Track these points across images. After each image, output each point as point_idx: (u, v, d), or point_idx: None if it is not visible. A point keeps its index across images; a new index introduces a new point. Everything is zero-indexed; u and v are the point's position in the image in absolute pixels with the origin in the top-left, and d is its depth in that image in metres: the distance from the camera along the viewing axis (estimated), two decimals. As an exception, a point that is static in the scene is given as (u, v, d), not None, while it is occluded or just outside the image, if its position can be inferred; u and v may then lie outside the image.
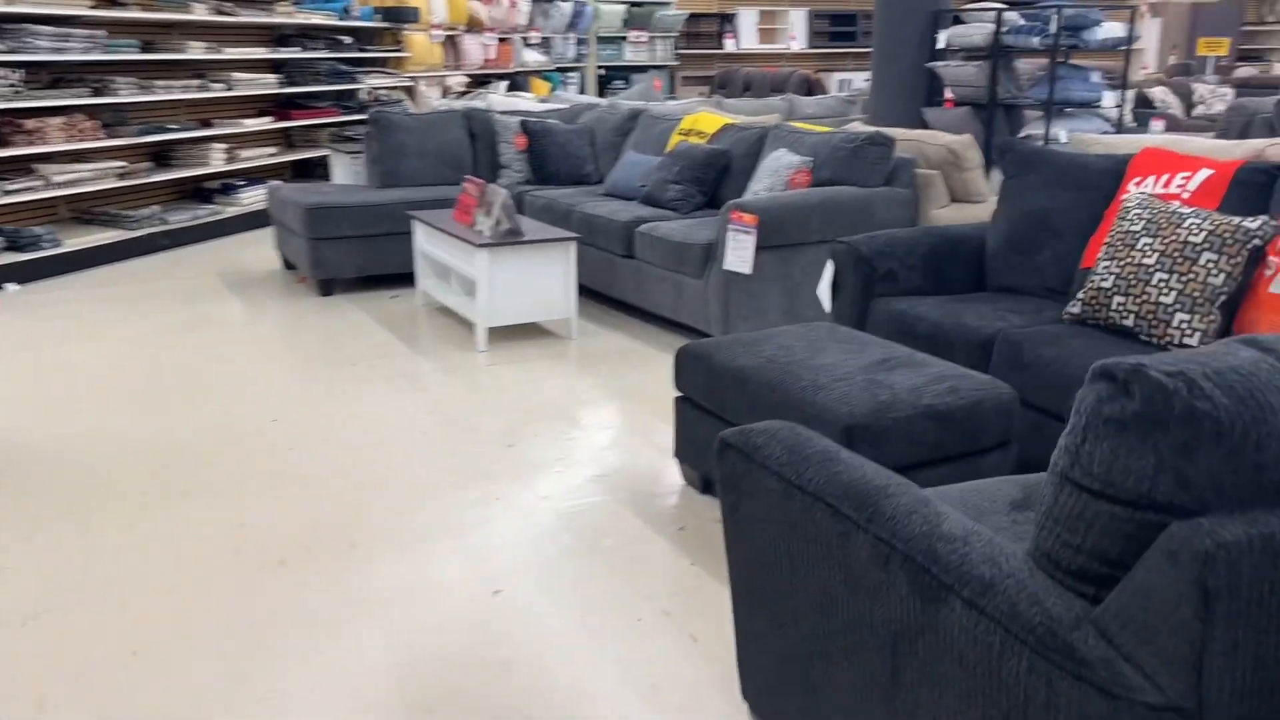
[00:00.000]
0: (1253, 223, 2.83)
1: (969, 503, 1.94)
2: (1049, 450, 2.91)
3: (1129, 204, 3.12)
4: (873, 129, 4.83)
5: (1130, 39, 6.76)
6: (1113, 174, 3.46)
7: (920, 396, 2.58)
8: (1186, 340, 2.81)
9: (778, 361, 2.84)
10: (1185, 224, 2.93)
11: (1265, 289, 2.82)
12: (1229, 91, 11.84)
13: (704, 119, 5.78)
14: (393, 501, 3.13)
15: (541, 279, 4.78)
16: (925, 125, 7.75)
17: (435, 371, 4.41)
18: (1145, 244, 2.97)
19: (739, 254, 4.36)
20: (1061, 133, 7.09)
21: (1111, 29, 6.68)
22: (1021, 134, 7.39)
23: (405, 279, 5.97)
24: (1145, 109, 10.46)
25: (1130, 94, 7.26)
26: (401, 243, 5.81)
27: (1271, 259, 2.83)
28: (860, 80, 14.28)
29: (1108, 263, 3.05)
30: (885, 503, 1.51)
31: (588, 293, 5.76)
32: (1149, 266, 2.93)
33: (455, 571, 2.70)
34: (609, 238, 5.20)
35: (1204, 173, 3.15)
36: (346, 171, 7.13)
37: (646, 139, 6.13)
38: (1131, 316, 2.94)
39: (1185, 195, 3.16)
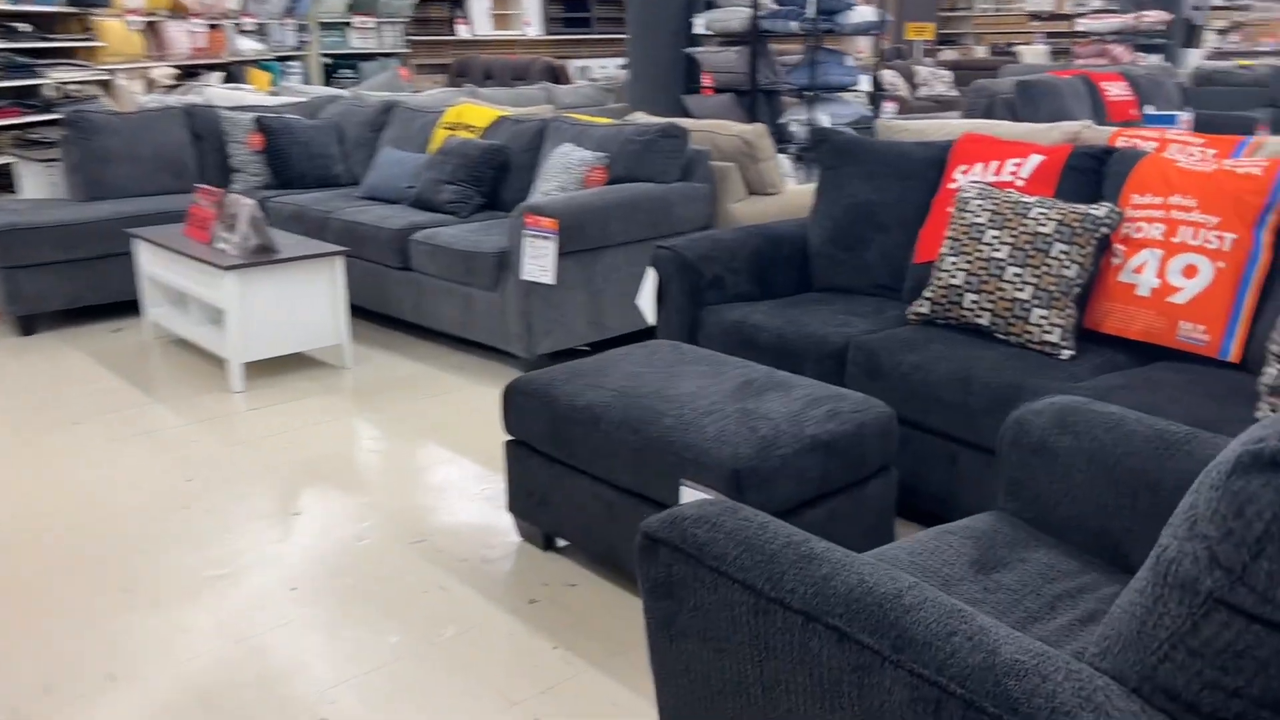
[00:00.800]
0: (1099, 210, 2.73)
1: (925, 567, 1.62)
2: (921, 468, 2.69)
3: (967, 194, 2.96)
4: (664, 120, 4.52)
5: (883, 22, 6.87)
6: (935, 163, 3.31)
7: (802, 426, 2.27)
8: (1046, 336, 2.66)
9: (630, 394, 2.44)
10: (1032, 214, 2.79)
11: (1115, 278, 2.73)
12: (947, 74, 12.60)
13: (470, 111, 5.26)
14: (146, 617, 2.47)
15: (304, 302, 4.12)
16: (686, 113, 7.58)
17: (184, 423, 3.67)
18: (993, 237, 2.81)
19: (539, 262, 3.91)
20: (823, 117, 7.12)
21: (864, 12, 6.75)
22: (783, 120, 7.37)
23: (129, 308, 5.07)
24: (877, 91, 10.88)
25: (867, 77, 7.43)
26: (120, 265, 4.91)
27: (1117, 247, 2.74)
28: (600, 68, 14.11)
29: (954, 258, 2.87)
30: (910, 621, 1.15)
31: (356, 312, 5.12)
32: (1000, 260, 2.77)
33: (254, 701, 2.12)
34: (378, 248, 4.59)
35: (1035, 159, 3.04)
36: (40, 183, 6.02)
37: (406, 135, 5.52)
38: (987, 314, 2.77)
39: (1019, 183, 3.03)
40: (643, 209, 4.20)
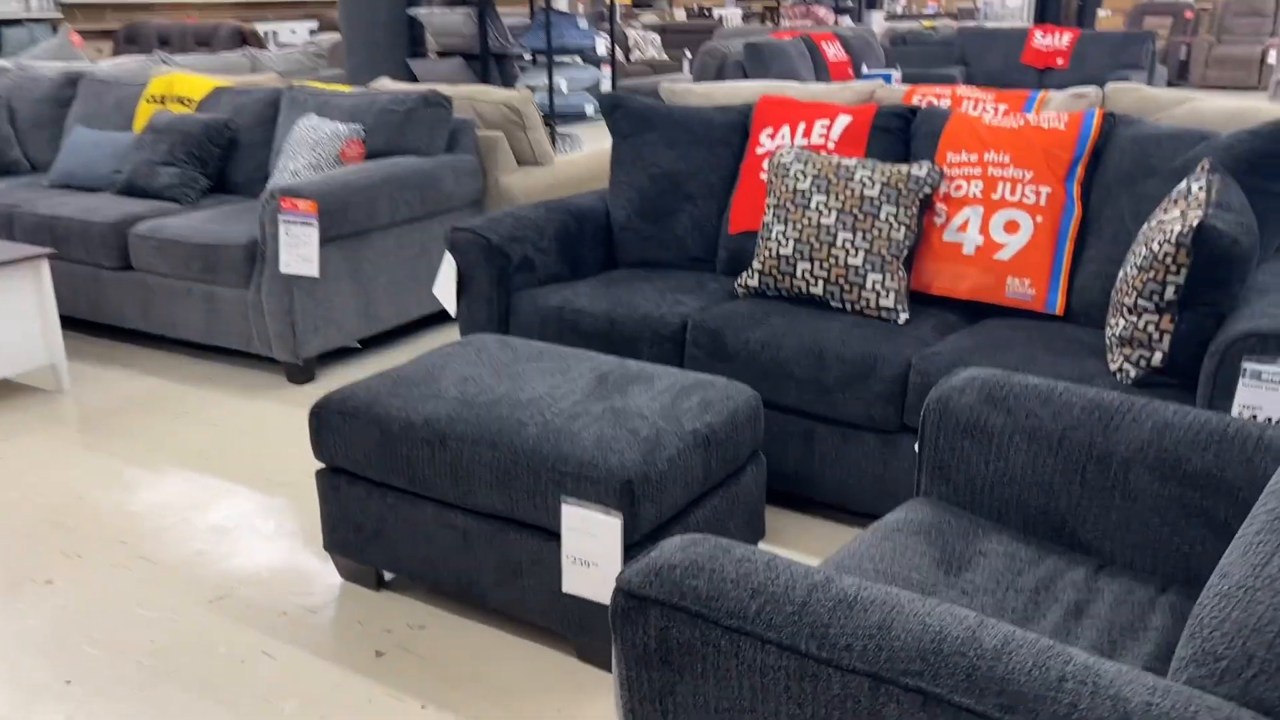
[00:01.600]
0: (920, 169, 2.70)
1: (894, 575, 1.47)
2: (775, 448, 2.57)
3: (784, 159, 2.85)
4: (424, 87, 4.12)
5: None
6: (737, 128, 3.19)
7: (680, 422, 2.06)
8: (883, 302, 2.61)
9: (476, 401, 2.13)
10: (857, 177, 2.72)
11: (939, 238, 2.72)
12: (655, 36, 12.74)
13: (181, 81, 4.57)
14: (-122, 741, 1.88)
15: (2, 318, 3.40)
16: (414, 79, 7.10)
17: None
18: (819, 202, 2.72)
19: (299, 252, 3.43)
20: (562, 82, 6.90)
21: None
22: (520, 85, 7.07)
23: None
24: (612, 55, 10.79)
25: (604, 40, 7.30)
26: None
27: (939, 206, 2.74)
28: (290, 32, 13.09)
29: (781, 227, 2.76)
30: (1005, 670, 0.98)
31: (65, 324, 4.33)
32: (830, 227, 2.69)
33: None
34: (88, 246, 3.88)
35: (844, 119, 2.98)
36: None
37: (100, 110, 4.72)
38: (820, 283, 2.69)
39: (831, 145, 2.97)
40: (412, 185, 3.80)
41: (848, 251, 2.66)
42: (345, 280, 3.66)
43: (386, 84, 4.53)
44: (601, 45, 7.02)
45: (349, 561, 2.36)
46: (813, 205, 2.73)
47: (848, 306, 2.67)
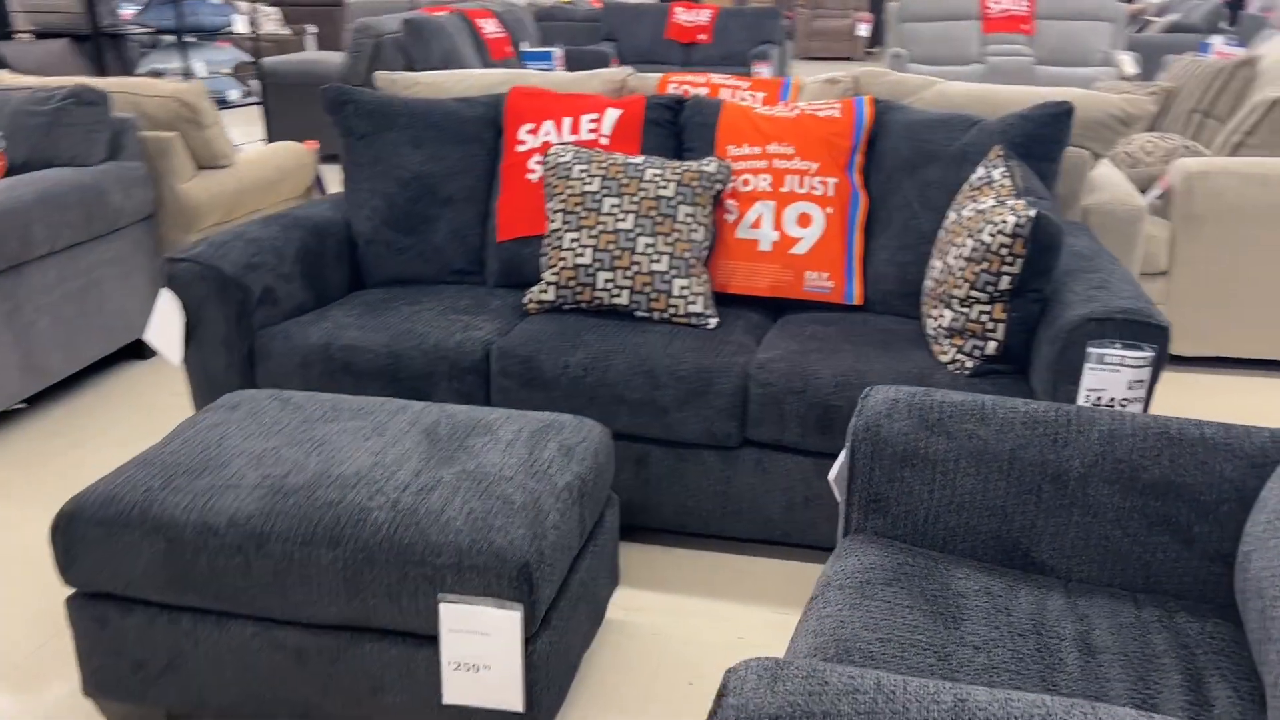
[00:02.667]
0: (710, 166, 2.58)
1: (903, 642, 1.33)
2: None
3: (562, 158, 2.61)
4: (72, 81, 3.36)
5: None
6: (488, 123, 2.89)
7: (550, 478, 1.79)
8: (692, 308, 2.47)
9: (290, 486, 1.72)
10: (648, 176, 2.54)
11: (733, 235, 2.62)
12: (274, 10, 11.70)
13: None
14: None
15: None
16: (3, 64, 5.92)
17: None
18: (613, 205, 2.51)
19: (-63, 300, 2.67)
20: (199, 65, 6.08)
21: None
22: (145, 70, 6.14)
23: None
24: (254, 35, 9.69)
25: (244, 18, 6.51)
26: None
27: (730, 203, 2.63)
28: None
29: (575, 234, 2.52)
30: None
31: None
32: (628, 232, 2.49)
33: None
34: None
35: (614, 113, 2.78)
36: None
37: None
38: (625, 293, 2.49)
39: (604, 141, 2.76)
40: (72, 204, 3.10)
41: (650, 257, 2.48)
42: (2, 329, 2.91)
43: (6, 77, 3.67)
44: (241, 22, 6.26)
45: (126, 707, 1.84)
46: (606, 209, 2.51)
47: (655, 315, 2.49)
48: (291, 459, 1.82)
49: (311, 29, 11.71)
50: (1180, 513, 1.43)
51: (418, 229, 2.81)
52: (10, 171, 3.15)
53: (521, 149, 2.82)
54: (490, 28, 7.62)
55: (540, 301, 2.56)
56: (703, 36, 9.02)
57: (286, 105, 7.00)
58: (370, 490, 1.72)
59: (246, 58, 6.52)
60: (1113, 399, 1.99)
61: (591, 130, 2.78)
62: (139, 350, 3.61)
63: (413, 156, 2.82)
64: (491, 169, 2.87)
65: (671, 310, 2.48)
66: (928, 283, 2.34)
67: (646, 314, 2.50)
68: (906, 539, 1.58)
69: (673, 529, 2.40)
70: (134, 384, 3.42)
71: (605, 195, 2.53)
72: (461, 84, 3.17)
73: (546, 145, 2.78)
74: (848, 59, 14.92)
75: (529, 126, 2.83)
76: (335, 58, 7.13)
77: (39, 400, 3.27)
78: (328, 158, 6.65)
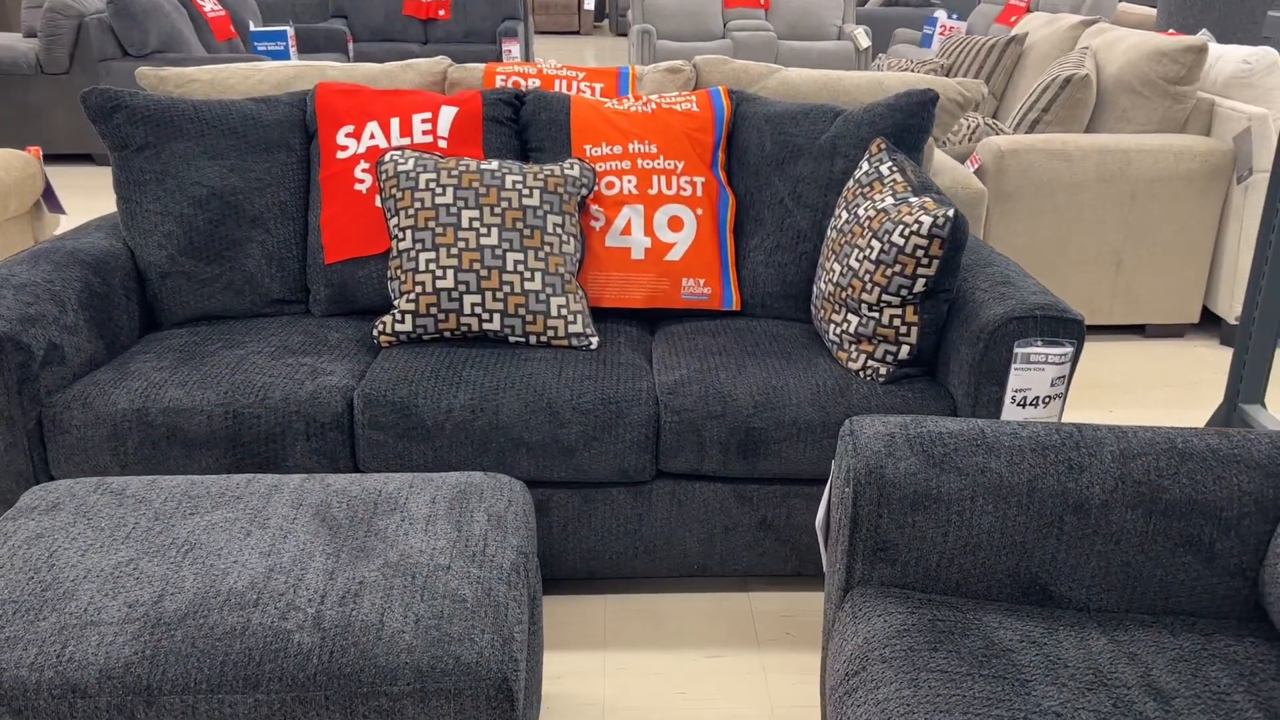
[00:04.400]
0: (572, 169, 2.34)
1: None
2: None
3: (401, 166, 2.28)
4: None
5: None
6: (294, 126, 2.49)
7: (492, 561, 1.52)
8: (571, 328, 2.23)
9: (171, 616, 1.35)
10: (507, 184, 2.27)
11: (602, 244, 2.40)
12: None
13: None
14: None
15: None
16: None
17: None
18: (473, 219, 2.22)
19: None
20: None
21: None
22: None
23: None
24: None
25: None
26: None
27: (594, 208, 2.41)
28: None
29: (431, 253, 2.21)
30: None
31: None
32: (495, 248, 2.21)
33: None
34: None
35: (449, 111, 2.46)
36: None
37: None
38: (496, 317, 2.21)
39: (442, 144, 2.44)
40: None
41: (523, 276, 2.21)
42: None
43: None
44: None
45: None
46: (465, 223, 2.22)
47: (531, 340, 2.23)
48: (159, 575, 1.43)
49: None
50: (1203, 531, 1.39)
51: (223, 255, 2.38)
52: None
53: (344, 155, 2.45)
54: (210, 6, 6.86)
55: (395, 333, 2.23)
56: (442, 13, 8.58)
57: (-32, 98, 5.96)
58: (280, 606, 1.38)
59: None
60: (1038, 397, 1.96)
61: (425, 132, 2.45)
62: None
63: (209, 170, 2.38)
64: (306, 180, 2.48)
65: (550, 333, 2.23)
66: (823, 286, 2.23)
67: (521, 338, 2.24)
68: (919, 586, 1.45)
69: (579, 576, 2.17)
70: None
71: (462, 208, 2.23)
72: (248, 80, 2.72)
73: (376, 151, 2.43)
74: (576, 33, 14.84)
75: (348, 129, 2.46)
76: (25, 44, 6.14)
77: None
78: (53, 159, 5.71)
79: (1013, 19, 7.12)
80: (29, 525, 1.56)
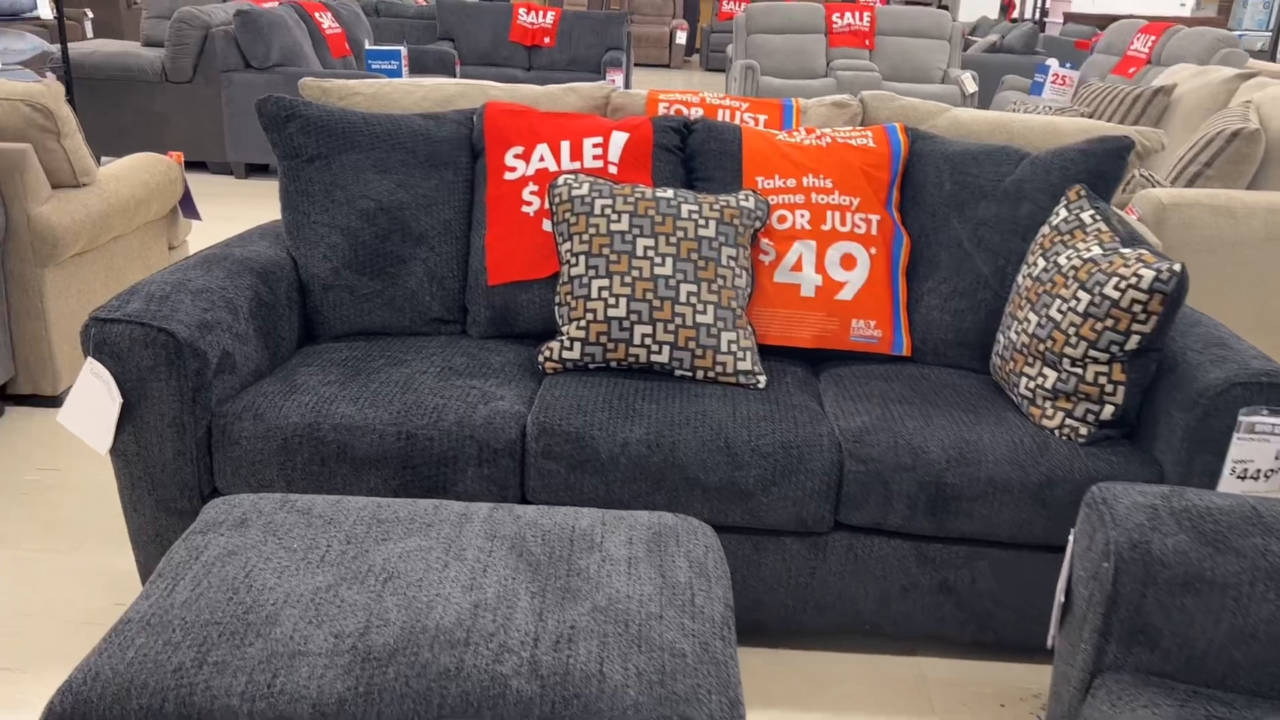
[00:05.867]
0: (748, 200, 2.26)
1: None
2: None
3: (576, 190, 2.22)
4: (-105, 76, 2.63)
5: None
6: (462, 144, 2.45)
7: (706, 615, 1.43)
8: (740, 365, 2.15)
9: (396, 654, 1.28)
10: (683, 213, 2.20)
11: (770, 279, 2.32)
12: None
13: None
14: None
15: None
16: None
17: None
18: (647, 248, 2.15)
19: None
20: (-4, 55, 5.15)
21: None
22: (-77, 57, 5.14)
23: None
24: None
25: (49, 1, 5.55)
26: None
27: (765, 242, 2.33)
28: None
29: (604, 281, 2.14)
30: None
31: None
32: (669, 278, 2.14)
33: None
34: None
35: (620, 136, 2.41)
36: None
37: None
38: (666, 349, 2.13)
39: (613, 170, 2.38)
40: (-93, 236, 2.41)
41: (695, 308, 2.13)
42: None
43: None
44: (45, 7, 5.37)
45: None
46: (640, 251, 2.15)
47: (699, 374, 2.15)
48: (361, 604, 1.36)
49: (88, 14, 10.48)
50: None
51: (386, 271, 2.34)
52: None
53: (511, 176, 2.40)
54: (328, 23, 6.97)
55: (562, 360, 2.16)
56: (547, 40, 8.64)
57: (93, 104, 6.09)
58: (492, 648, 1.30)
59: (50, 47, 5.60)
60: (1260, 470, 1.82)
61: (596, 157, 2.40)
62: (-21, 412, 2.90)
63: (378, 184, 2.34)
64: (470, 199, 2.44)
65: (719, 369, 2.14)
66: (1014, 337, 2.12)
67: (688, 373, 2.15)
68: (1180, 676, 1.33)
69: (742, 627, 2.07)
70: (-17, 458, 2.73)
71: (637, 235, 2.16)
72: (410, 96, 2.70)
73: (545, 174, 2.38)
74: (666, 66, 14.90)
75: (517, 150, 2.42)
76: (149, 52, 6.28)
77: None
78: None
79: (1131, 70, 6.95)
80: (220, 541, 1.50)
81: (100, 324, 1.87)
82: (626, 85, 8.73)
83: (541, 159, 2.40)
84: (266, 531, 1.53)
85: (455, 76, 7.91)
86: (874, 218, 2.36)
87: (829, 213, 2.34)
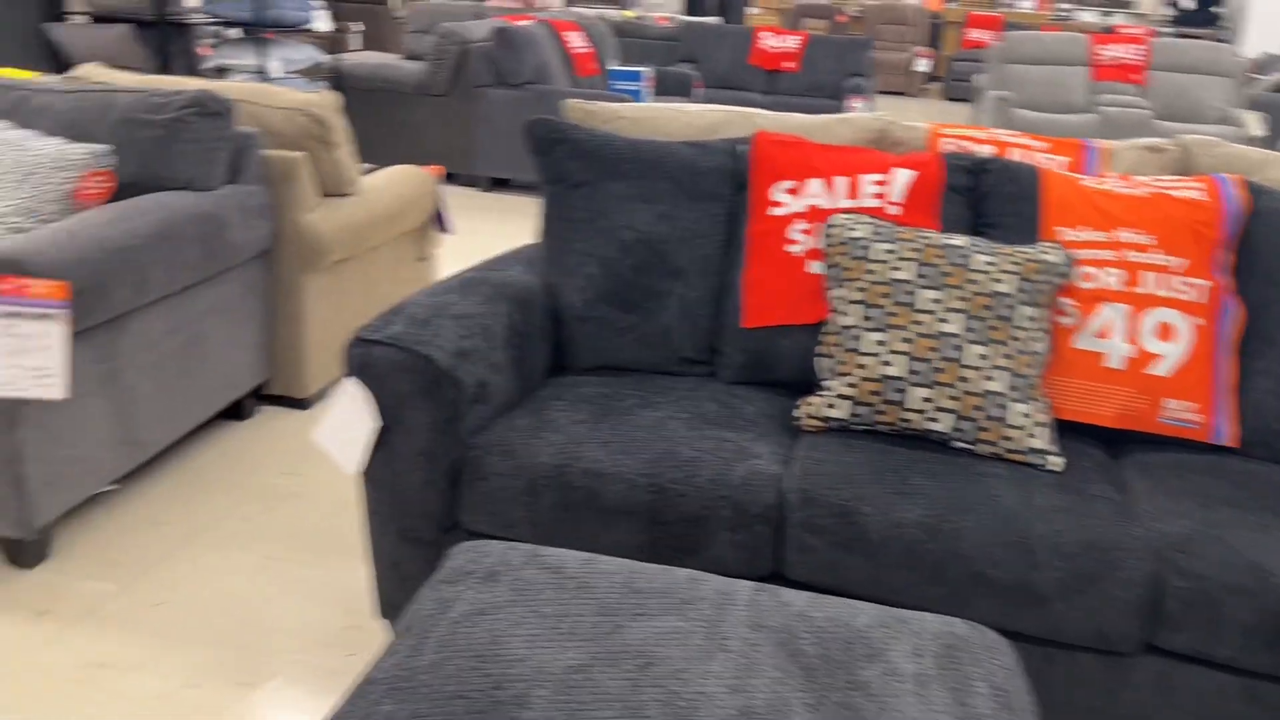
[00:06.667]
0: (1050, 254, 2.00)
1: None
2: None
3: (852, 231, 2.02)
4: (193, 86, 2.76)
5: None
6: (727, 175, 2.30)
7: (1002, 750, 1.19)
8: (1032, 443, 1.88)
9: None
10: (977, 264, 1.96)
11: (1069, 345, 2.03)
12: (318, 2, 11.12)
13: None
14: None
15: None
16: (59, 54, 5.31)
17: None
18: (934, 300, 1.93)
19: (29, 363, 2.06)
20: (275, 64, 5.48)
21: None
22: (213, 66, 5.53)
23: None
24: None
25: (326, 13, 5.90)
26: None
27: (1066, 302, 2.05)
28: None
29: (880, 334, 1.93)
30: None
31: None
32: (955, 337, 1.90)
33: None
34: None
35: (904, 174, 2.19)
36: None
37: None
38: (947, 417, 1.89)
39: (893, 210, 2.17)
40: (190, 239, 2.50)
41: (983, 373, 1.89)
42: (96, 394, 2.31)
43: (99, 71, 3.06)
44: (323, 20, 5.67)
45: None
46: (923, 304, 1.92)
47: (982, 448, 1.90)
48: (616, 693, 1.22)
49: (357, 26, 11.16)
50: None
51: (642, 305, 2.21)
52: (120, 194, 2.54)
53: (777, 212, 2.23)
54: (577, 41, 7.07)
55: (824, 418, 1.97)
56: (789, 64, 8.47)
57: (353, 114, 6.40)
58: (766, 772, 1.11)
59: (324, 58, 5.92)
60: None
61: (876, 195, 2.19)
62: (235, 410, 3.00)
63: (642, 214, 2.23)
64: (729, 234, 2.28)
65: (1006, 444, 1.89)
66: (1386, 441, 1.75)
67: (969, 445, 1.91)
68: None
69: (1017, 746, 1.80)
70: (236, 457, 2.80)
71: (921, 286, 1.94)
72: (675, 122, 2.58)
73: (817, 211, 2.19)
74: (902, 94, 14.43)
75: (787, 185, 2.24)
76: (409, 65, 6.54)
77: (131, 479, 2.66)
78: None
79: None
80: (469, 597, 1.39)
81: (364, 345, 1.83)
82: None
83: (814, 195, 2.21)
84: (516, 591, 1.41)
85: (693, 99, 7.86)
86: (1201, 283, 2.03)
87: (1146, 273, 2.04)
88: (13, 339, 2.03)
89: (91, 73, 3.03)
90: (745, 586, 1.47)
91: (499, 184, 6.65)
